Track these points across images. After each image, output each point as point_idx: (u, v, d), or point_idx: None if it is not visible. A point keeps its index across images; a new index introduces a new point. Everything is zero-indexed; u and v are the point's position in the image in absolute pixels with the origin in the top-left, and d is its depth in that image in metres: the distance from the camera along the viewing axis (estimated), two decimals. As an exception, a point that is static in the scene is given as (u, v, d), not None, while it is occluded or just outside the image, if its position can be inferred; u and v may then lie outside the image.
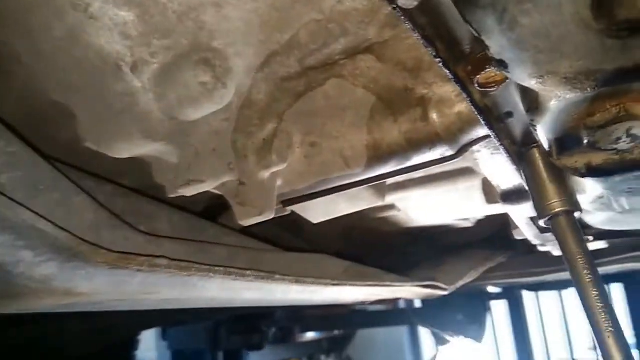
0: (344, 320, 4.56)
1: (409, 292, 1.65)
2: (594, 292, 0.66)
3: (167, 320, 3.10)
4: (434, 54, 0.59)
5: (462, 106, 0.80)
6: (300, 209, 1.12)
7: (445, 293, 1.69)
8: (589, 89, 0.54)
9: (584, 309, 0.66)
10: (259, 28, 0.75)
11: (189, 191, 0.83)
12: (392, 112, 0.83)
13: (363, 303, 1.78)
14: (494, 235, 1.98)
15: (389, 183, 1.35)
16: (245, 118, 0.86)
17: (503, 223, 1.76)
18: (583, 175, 0.73)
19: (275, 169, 0.89)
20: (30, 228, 0.66)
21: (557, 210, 0.74)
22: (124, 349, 3.14)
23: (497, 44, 0.50)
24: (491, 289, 3.98)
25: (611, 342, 0.61)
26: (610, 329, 0.62)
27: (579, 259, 0.69)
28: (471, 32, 0.61)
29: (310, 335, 4.99)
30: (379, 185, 1.09)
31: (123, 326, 2.52)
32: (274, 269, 1.20)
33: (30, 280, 0.74)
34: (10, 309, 0.87)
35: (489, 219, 1.77)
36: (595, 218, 0.93)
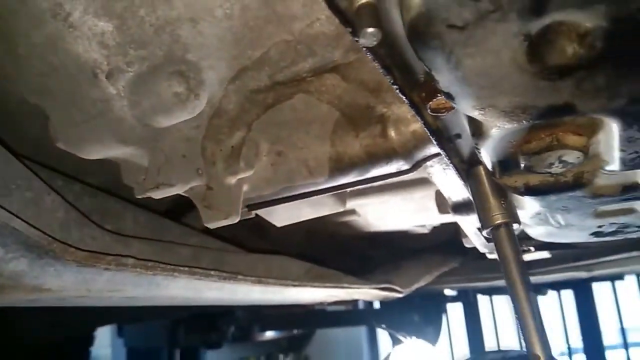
0: (303, 320, 4.61)
1: (366, 294, 1.72)
2: (524, 296, 0.74)
3: (123, 317, 3.08)
4: (391, 81, 0.65)
5: (417, 125, 0.87)
6: (265, 212, 1.17)
7: (401, 295, 1.77)
8: (524, 122, 0.61)
9: (515, 310, 0.74)
10: (232, 44, 0.79)
11: (158, 194, 0.87)
12: (353, 128, 0.89)
13: (322, 303, 1.84)
14: (448, 241, 2.07)
15: (350, 190, 1.42)
16: (215, 126, 0.90)
17: (456, 230, 1.86)
18: (522, 194, 0.81)
19: (242, 175, 0.93)
20: (3, 226, 0.69)
21: (497, 222, 0.82)
22: (79, 344, 3.09)
23: (444, 80, 0.57)
24: (447, 292, 4.12)
25: (535, 341, 0.70)
26: (536, 328, 0.70)
27: (514, 266, 0.77)
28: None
29: (269, 334, 5.00)
30: (340, 193, 1.15)
31: (79, 321, 2.50)
32: (237, 269, 1.24)
33: (-1, 276, 0.76)
34: (-25, 303, 0.88)
35: (444, 226, 1.86)
36: (535, 231, 1.02)
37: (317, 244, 1.91)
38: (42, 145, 0.90)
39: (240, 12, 0.75)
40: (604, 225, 0.96)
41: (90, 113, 0.79)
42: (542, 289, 3.60)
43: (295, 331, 5.26)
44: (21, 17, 0.72)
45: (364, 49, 0.61)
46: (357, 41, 0.59)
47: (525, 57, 0.52)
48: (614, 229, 0.98)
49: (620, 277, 3.60)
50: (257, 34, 0.78)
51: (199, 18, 0.76)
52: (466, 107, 0.61)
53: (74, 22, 0.72)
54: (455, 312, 4.62)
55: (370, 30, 0.50)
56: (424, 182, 1.39)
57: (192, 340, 3.84)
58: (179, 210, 1.38)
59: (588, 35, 0.50)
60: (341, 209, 1.19)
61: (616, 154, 0.67)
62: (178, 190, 0.87)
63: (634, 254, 1.60)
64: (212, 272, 1.10)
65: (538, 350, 0.70)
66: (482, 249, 1.29)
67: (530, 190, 0.79)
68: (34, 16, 0.71)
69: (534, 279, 2.13)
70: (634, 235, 1.05)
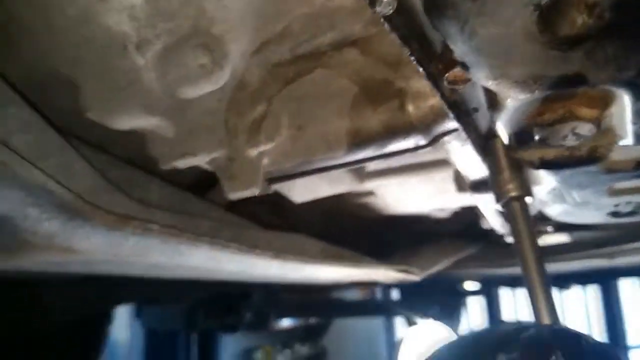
0: (320, 309, 4.63)
1: (383, 275, 1.75)
2: (534, 267, 0.75)
3: (143, 295, 3.14)
4: (408, 52, 0.67)
5: (435, 100, 0.88)
6: (284, 188, 1.20)
7: (417, 279, 1.79)
8: (537, 92, 0.62)
9: (526, 281, 0.76)
10: (254, 18, 0.82)
11: (182, 163, 0.91)
12: (371, 102, 0.91)
13: (339, 286, 1.87)
14: (467, 227, 2.08)
15: (369, 170, 1.44)
16: (237, 99, 0.93)
17: (475, 216, 1.86)
18: (537, 168, 0.82)
19: (262, 148, 0.97)
20: (40, 187, 0.74)
21: (511, 194, 0.83)
22: (96, 325, 3.15)
23: (460, 50, 0.58)
24: (468, 286, 4.08)
25: (543, 309, 0.71)
26: (544, 297, 0.72)
27: (526, 238, 0.79)
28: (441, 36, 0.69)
29: (286, 322, 4.99)
30: (358, 169, 1.17)
31: (97, 300, 2.55)
32: (255, 244, 1.28)
33: (34, 236, 0.81)
34: (11, 262, 0.94)
35: (463, 211, 1.87)
36: (553, 210, 1.03)
37: (334, 226, 1.94)
38: (72, 116, 0.95)
39: (263, -14, 0.78)
40: (620, 204, 0.96)
41: (120, 84, 0.83)
42: (566, 282, 3.54)
43: (312, 320, 5.27)
44: (57, -10, 0.76)
45: (382, 19, 0.63)
46: (374, 11, 0.61)
47: (536, 27, 0.53)
48: (631, 209, 0.98)
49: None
50: (278, 7, 0.81)
51: (224, -8, 0.78)
52: (481, 78, 0.62)
53: (105, -5, 0.75)
54: (475, 306, 4.60)
55: (386, -2, 0.52)
56: (443, 163, 1.40)
57: (209, 324, 3.85)
58: (202, 185, 1.42)
59: (597, 6, 0.51)
60: (358, 187, 1.21)
61: (629, 128, 0.68)
62: (201, 160, 0.91)
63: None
64: (232, 245, 1.14)
65: (546, 319, 0.71)
66: (500, 230, 1.30)
67: (546, 164, 0.80)
68: (69, -11, 0.75)
69: (555, 267, 2.13)
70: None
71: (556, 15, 0.53)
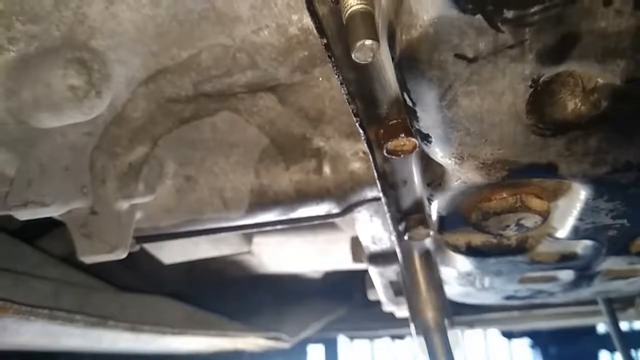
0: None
1: (252, 343, 1.56)
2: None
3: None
4: (353, 111, 0.55)
5: (356, 166, 0.78)
6: (153, 246, 0.98)
7: (287, 346, 1.63)
8: (496, 178, 0.54)
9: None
10: (153, 37, 0.64)
11: (25, 214, 0.65)
12: (284, 159, 0.77)
13: (199, 355, 1.63)
14: (337, 286, 2.01)
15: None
16: (112, 136, 0.72)
17: (345, 276, 1.80)
18: (462, 253, 0.75)
19: (138, 201, 0.76)
20: None
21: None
22: None
23: (430, 118, 0.48)
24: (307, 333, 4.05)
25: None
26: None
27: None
28: (392, 98, 0.59)
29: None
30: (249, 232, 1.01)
31: None
32: (106, 311, 1.02)
33: None
34: None
35: (335, 271, 1.79)
36: (451, 289, 0.97)
37: (196, 281, 1.70)
38: None
39: (171, 1, 0.61)
40: (520, 291, 0.94)
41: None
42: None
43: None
44: None
45: (335, 68, 0.50)
46: (330, 57, 0.49)
47: (525, 106, 0.45)
48: (527, 294, 0.97)
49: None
50: (187, 30, 0.64)
51: (117, -2, 0.59)
52: (441, 153, 0.53)
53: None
54: (316, 353, 4.56)
55: (369, 42, 0.40)
56: (331, 226, 1.30)
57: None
58: (35, 230, 1.12)
59: (595, 92, 0.45)
60: (246, 250, 1.04)
61: (570, 222, 0.64)
62: (53, 212, 0.67)
63: (515, 314, 1.67)
64: (78, 317, 0.88)
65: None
66: (386, 302, 1.23)
67: (472, 251, 0.73)
68: None
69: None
70: (538, 301, 1.06)
71: (549, 95, 0.45)
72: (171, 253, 1.02)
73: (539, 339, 4.19)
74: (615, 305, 1.36)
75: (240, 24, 0.63)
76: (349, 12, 0.42)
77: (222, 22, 0.63)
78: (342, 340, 4.40)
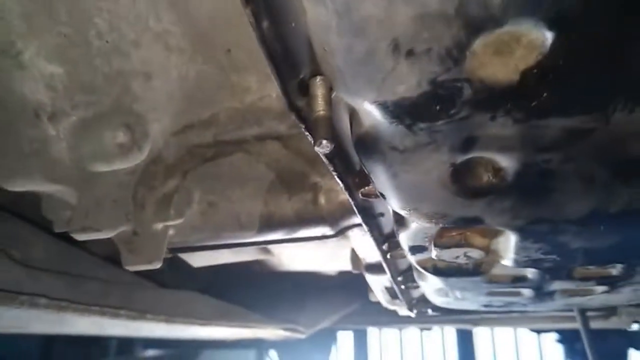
0: (190, 339, 4.44)
1: (271, 333, 1.76)
2: None
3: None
4: (331, 168, 0.72)
5: (345, 198, 0.94)
6: (184, 255, 1.18)
7: (303, 336, 1.82)
8: (439, 224, 0.70)
9: None
10: (181, 102, 0.82)
11: (83, 237, 0.86)
12: (287, 191, 0.95)
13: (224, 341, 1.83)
14: (351, 282, 2.17)
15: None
16: (150, 173, 0.91)
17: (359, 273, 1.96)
18: (430, 273, 0.90)
19: (171, 223, 0.95)
20: None
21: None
22: None
23: (380, 184, 0.64)
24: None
25: None
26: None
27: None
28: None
29: (152, 352, 4.74)
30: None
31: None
32: (146, 306, 1.23)
33: None
34: None
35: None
36: (436, 299, 1.13)
37: (225, 277, 1.91)
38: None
39: (195, 75, 0.79)
40: (493, 301, 1.09)
41: (24, 151, 0.77)
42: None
43: (180, 350, 5.04)
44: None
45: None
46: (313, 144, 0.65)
47: (449, 179, 0.61)
48: (502, 304, 1.12)
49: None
50: (208, 96, 0.81)
51: (153, 75, 0.78)
52: (394, 207, 0.69)
53: (24, 62, 0.71)
54: (345, 340, 4.76)
55: (325, 142, 0.56)
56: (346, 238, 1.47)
57: (70, 356, 3.56)
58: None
59: (501, 170, 0.60)
60: (263, 257, 1.23)
61: (511, 255, 0.79)
62: (104, 235, 0.87)
63: (515, 315, 1.80)
64: (122, 312, 1.09)
65: None
66: (386, 305, 1.39)
67: (437, 272, 0.89)
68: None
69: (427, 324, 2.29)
70: (517, 309, 1.20)
71: (467, 172, 0.60)
72: (199, 259, 1.21)
73: (566, 334, 4.22)
74: (599, 313, 1.47)
75: (249, 93, 0.81)
76: (315, 115, 0.58)
77: (235, 91, 0.81)
78: (371, 329, 4.59)
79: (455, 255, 0.78)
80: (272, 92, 0.80)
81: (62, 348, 3.52)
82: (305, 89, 0.60)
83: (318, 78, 0.57)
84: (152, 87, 0.79)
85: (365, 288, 2.25)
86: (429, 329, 4.06)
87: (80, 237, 0.86)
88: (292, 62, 0.57)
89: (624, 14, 0.41)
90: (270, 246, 1.61)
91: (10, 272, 0.87)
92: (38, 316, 0.89)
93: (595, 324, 1.55)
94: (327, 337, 4.21)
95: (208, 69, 0.78)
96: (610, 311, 1.53)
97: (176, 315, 1.30)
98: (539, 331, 4.27)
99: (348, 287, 2.22)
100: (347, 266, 1.68)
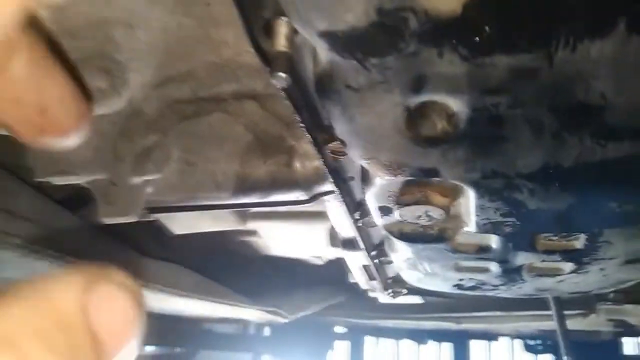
0: (188, 338, 4.46)
1: (252, 314, 1.77)
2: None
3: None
4: (299, 120, 0.74)
5: (320, 163, 0.96)
6: (164, 218, 1.20)
7: (286, 320, 1.83)
8: (399, 176, 0.71)
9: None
10: (162, 54, 0.85)
11: (59, 180, 0.88)
12: (263, 153, 0.97)
13: (208, 320, 1.85)
14: (338, 276, 2.18)
15: (255, 211, 1.48)
16: (131, 126, 0.94)
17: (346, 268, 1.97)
18: (397, 238, 0.92)
19: (148, 177, 0.97)
20: None
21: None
22: None
23: (340, 129, 0.66)
24: (337, 329, 4.22)
25: None
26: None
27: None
28: (330, 110, 0.77)
29: (149, 349, 4.75)
30: (241, 211, 1.21)
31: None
32: (126, 271, 1.25)
33: None
34: None
35: (337, 260, 1.97)
36: (407, 276, 1.14)
37: (212, 258, 1.93)
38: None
39: (176, 27, 0.81)
40: (464, 280, 1.10)
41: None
42: (423, 337, 3.84)
43: (177, 350, 5.05)
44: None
45: (279, 89, 0.69)
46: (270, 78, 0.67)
47: (404, 124, 0.62)
48: (473, 284, 1.12)
49: (494, 337, 3.92)
50: (188, 50, 0.84)
51: (135, 25, 0.80)
52: (355, 155, 0.70)
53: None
54: (341, 350, 4.74)
55: (281, 74, 0.58)
56: (324, 216, 1.48)
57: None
58: (77, 201, 1.36)
59: (454, 116, 0.61)
60: (241, 227, 1.24)
61: (472, 218, 0.80)
62: (80, 179, 0.89)
63: (498, 313, 1.79)
64: (100, 267, 1.11)
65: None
66: (363, 286, 1.40)
67: (403, 236, 0.90)
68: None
69: (410, 323, 2.29)
70: (490, 293, 1.20)
71: (421, 117, 0.62)
72: (180, 225, 1.23)
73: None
74: (577, 311, 1.47)
75: (226, 48, 0.83)
76: (275, 51, 0.60)
77: (213, 45, 0.83)
78: (368, 339, 4.57)
79: (417, 215, 0.79)
80: (248, 48, 0.82)
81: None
82: (270, 30, 0.62)
83: (282, 18, 0.60)
84: (134, 36, 0.82)
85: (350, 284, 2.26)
86: (424, 342, 4.04)
87: (56, 180, 0.88)
88: (256, 2, 0.60)
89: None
90: (255, 226, 1.63)
91: (-10, 213, 0.89)
92: (11, 259, 0.91)
93: (574, 324, 1.55)
94: (324, 346, 4.20)
95: (188, 22, 0.81)
96: (588, 309, 1.53)
97: (157, 283, 1.32)
98: (535, 351, 4.23)
99: (335, 278, 2.23)
100: (333, 251, 1.69)
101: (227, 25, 0.81)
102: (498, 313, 1.82)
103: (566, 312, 1.51)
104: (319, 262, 2.05)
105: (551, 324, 1.57)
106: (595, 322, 1.59)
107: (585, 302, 1.53)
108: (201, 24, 0.81)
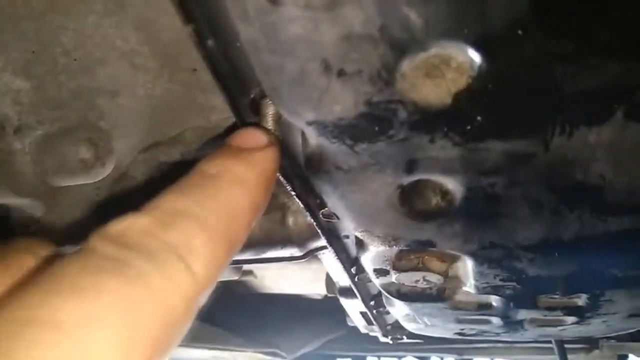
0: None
1: (250, 357, 1.73)
2: None
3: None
4: (290, 189, 0.72)
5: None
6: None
7: (285, 361, 1.80)
8: (395, 247, 0.69)
9: None
10: (148, 119, 0.83)
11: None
12: (255, 211, 0.94)
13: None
14: (338, 308, 2.15)
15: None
16: (117, 190, 0.91)
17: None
18: (395, 297, 0.89)
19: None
20: None
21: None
22: None
23: (331, 204, 0.64)
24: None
25: None
26: None
27: None
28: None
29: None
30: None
31: None
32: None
33: None
34: None
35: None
36: (407, 326, 1.11)
37: (208, 299, 1.90)
38: None
39: (162, 93, 0.79)
40: (465, 329, 1.07)
41: (-12, 163, 0.78)
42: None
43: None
44: None
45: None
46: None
47: (398, 201, 0.61)
48: (474, 332, 1.10)
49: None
50: (175, 115, 0.82)
51: (120, 92, 0.79)
52: (348, 228, 0.68)
53: (-11, 77, 0.72)
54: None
55: (269, 159, 0.56)
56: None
57: None
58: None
59: (448, 193, 0.60)
60: (235, 278, 1.22)
61: (472, 282, 0.78)
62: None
63: (501, 345, 1.77)
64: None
65: None
66: (362, 330, 1.37)
67: (401, 296, 0.88)
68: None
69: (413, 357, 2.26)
70: (492, 338, 1.18)
71: (415, 194, 0.60)
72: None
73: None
74: (581, 346, 1.44)
75: (215, 113, 0.81)
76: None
77: (202, 110, 0.81)
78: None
79: (414, 279, 0.77)
80: (237, 112, 0.80)
81: None
82: (256, 108, 0.60)
83: (269, 100, 0.58)
84: (118, 104, 0.80)
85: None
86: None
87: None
88: (241, 81, 0.58)
89: (549, 37, 0.41)
90: (252, 267, 1.60)
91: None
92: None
93: (577, 359, 1.52)
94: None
95: (174, 88, 0.79)
96: (591, 344, 1.50)
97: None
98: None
99: (333, 312, 2.20)
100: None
101: (214, 91, 0.79)
102: (500, 345, 1.79)
103: (569, 346, 1.48)
104: (318, 296, 2.02)
105: (554, 358, 1.54)
106: (598, 358, 1.56)
107: (589, 339, 1.50)
108: (188, 90, 0.79)
